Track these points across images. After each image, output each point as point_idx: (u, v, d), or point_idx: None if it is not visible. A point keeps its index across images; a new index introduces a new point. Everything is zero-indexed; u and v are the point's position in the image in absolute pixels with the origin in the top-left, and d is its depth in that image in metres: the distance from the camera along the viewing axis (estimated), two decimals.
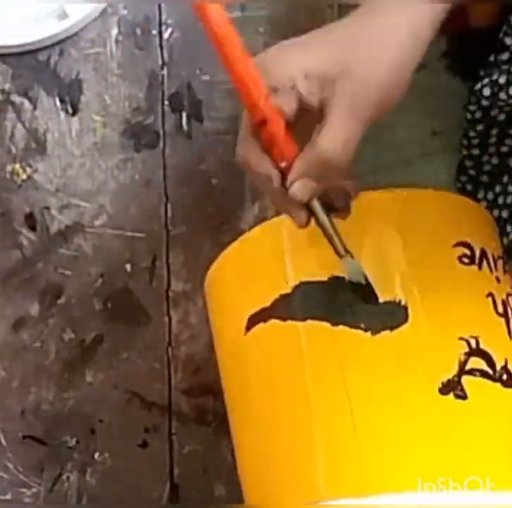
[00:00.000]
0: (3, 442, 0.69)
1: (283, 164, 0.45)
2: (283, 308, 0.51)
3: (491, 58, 0.71)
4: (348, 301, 0.49)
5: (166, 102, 0.71)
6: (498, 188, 0.72)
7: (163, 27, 0.71)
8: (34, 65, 0.71)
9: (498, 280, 0.52)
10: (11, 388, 0.69)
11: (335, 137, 0.45)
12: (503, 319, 0.50)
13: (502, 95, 0.65)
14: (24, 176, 0.70)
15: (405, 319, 0.48)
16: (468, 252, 0.51)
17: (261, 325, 0.52)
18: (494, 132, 0.77)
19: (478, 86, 0.68)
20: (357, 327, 0.49)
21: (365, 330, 0.48)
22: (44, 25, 0.70)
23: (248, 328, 0.52)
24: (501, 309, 0.51)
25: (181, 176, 0.71)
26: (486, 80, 0.68)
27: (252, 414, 0.53)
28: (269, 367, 0.52)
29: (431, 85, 1.12)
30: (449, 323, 0.49)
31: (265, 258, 0.53)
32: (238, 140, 0.47)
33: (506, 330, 0.50)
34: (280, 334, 0.51)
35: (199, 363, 0.69)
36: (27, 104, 0.71)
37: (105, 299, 0.70)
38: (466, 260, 0.51)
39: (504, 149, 0.74)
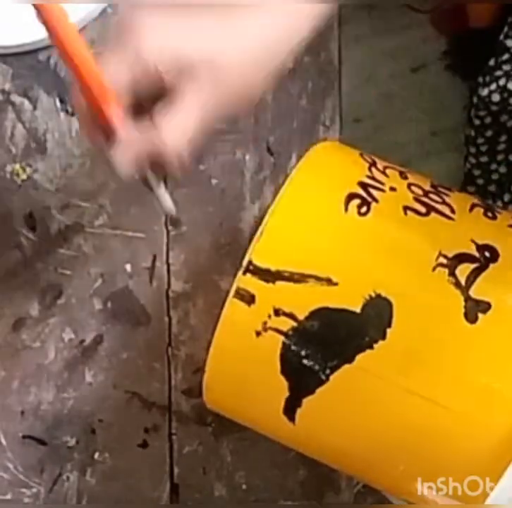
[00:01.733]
0: (3, 442, 0.69)
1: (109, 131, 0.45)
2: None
3: (492, 62, 0.71)
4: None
5: None
6: (507, 197, 0.72)
7: None
8: (34, 65, 0.71)
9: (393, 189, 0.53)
10: (11, 388, 0.69)
11: (179, 126, 0.44)
12: None
13: None
14: (24, 176, 0.70)
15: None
16: (359, 201, 0.52)
17: (298, 411, 0.52)
18: (503, 138, 0.77)
19: (486, 92, 0.68)
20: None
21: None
22: None
23: (291, 419, 0.53)
24: None
25: (181, 176, 0.70)
26: (493, 86, 0.68)
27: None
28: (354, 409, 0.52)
29: (431, 84, 1.13)
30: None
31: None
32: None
33: None
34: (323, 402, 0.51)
35: (199, 363, 0.69)
36: (27, 104, 0.71)
37: (105, 299, 0.70)
38: (363, 209, 0.52)
39: None
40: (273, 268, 0.51)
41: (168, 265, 0.70)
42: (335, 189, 0.54)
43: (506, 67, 0.71)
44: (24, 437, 0.69)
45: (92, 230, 0.70)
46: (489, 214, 0.54)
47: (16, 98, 0.71)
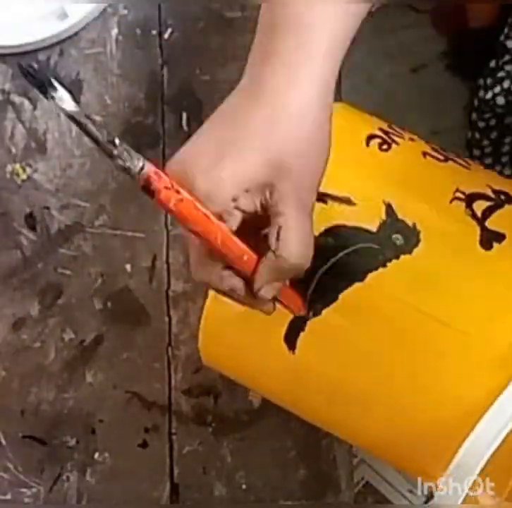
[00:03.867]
0: (3, 442, 0.69)
1: (246, 272, 0.45)
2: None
3: (493, 63, 0.71)
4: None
5: (166, 102, 0.71)
6: None
7: (163, 27, 0.71)
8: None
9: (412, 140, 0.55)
10: (11, 388, 0.69)
11: (295, 241, 0.44)
12: None
13: None
14: (24, 176, 0.70)
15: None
16: (380, 140, 0.53)
17: (302, 334, 0.52)
18: (508, 140, 0.77)
19: (490, 95, 0.68)
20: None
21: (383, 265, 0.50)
22: (44, 25, 0.70)
23: (291, 347, 0.52)
24: None
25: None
26: (497, 89, 0.68)
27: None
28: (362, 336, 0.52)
29: (431, 84, 1.13)
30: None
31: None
32: (192, 264, 0.46)
33: None
34: (327, 326, 0.51)
35: (199, 363, 0.69)
36: (27, 104, 0.71)
37: (105, 299, 0.70)
38: (384, 147, 0.53)
39: None
40: None
41: (168, 265, 0.70)
42: (357, 128, 0.55)
43: (508, 67, 0.71)
44: (24, 437, 0.69)
45: (92, 230, 0.70)
46: (503, 175, 0.55)
47: (16, 98, 0.71)
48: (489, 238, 0.50)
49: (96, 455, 0.69)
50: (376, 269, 0.50)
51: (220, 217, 0.43)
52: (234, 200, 0.43)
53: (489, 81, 0.72)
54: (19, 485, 0.69)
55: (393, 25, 1.10)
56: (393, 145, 0.54)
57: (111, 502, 0.69)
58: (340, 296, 0.50)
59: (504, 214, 0.51)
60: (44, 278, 0.70)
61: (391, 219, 0.50)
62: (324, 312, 0.51)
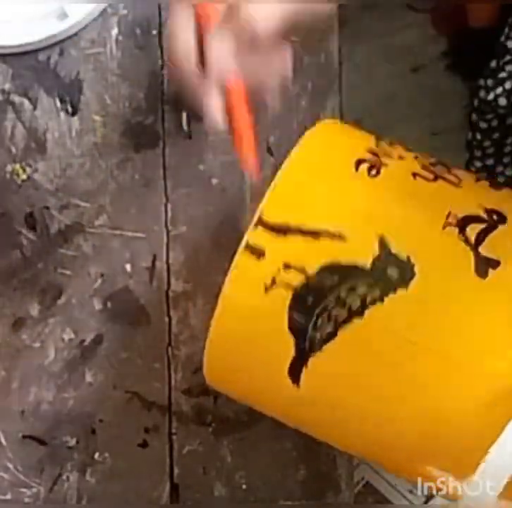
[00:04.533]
0: (3, 442, 0.69)
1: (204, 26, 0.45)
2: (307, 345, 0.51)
3: (493, 63, 0.71)
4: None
5: (166, 102, 0.71)
6: None
7: (163, 27, 0.71)
8: (34, 65, 0.71)
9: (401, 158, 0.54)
10: (11, 388, 0.69)
11: (266, 7, 0.44)
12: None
13: None
14: (24, 176, 0.70)
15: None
16: (369, 165, 0.53)
17: (304, 369, 0.52)
18: (510, 141, 0.77)
19: (491, 96, 0.68)
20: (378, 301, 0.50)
21: (381, 300, 0.50)
22: (44, 25, 0.70)
23: (295, 381, 0.53)
24: None
25: (181, 176, 0.70)
26: (499, 90, 0.68)
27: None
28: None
29: (431, 85, 1.13)
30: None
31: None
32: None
33: None
34: (327, 361, 0.51)
35: (199, 363, 0.69)
36: (27, 104, 0.71)
37: (105, 299, 0.70)
38: (373, 172, 0.53)
39: None
40: (283, 222, 0.51)
41: (168, 265, 0.70)
42: (345, 153, 0.55)
43: (509, 68, 0.71)
44: (24, 437, 0.69)
45: (92, 230, 0.70)
46: (495, 186, 0.54)
47: (16, 98, 0.71)
48: (484, 265, 0.49)
49: (96, 455, 0.69)
50: (373, 304, 0.50)
51: None
52: None
53: (490, 82, 0.72)
54: (19, 485, 0.69)
55: (393, 25, 1.10)
56: (383, 169, 0.53)
57: (111, 502, 0.69)
58: (339, 333, 0.50)
59: (498, 236, 0.51)
60: (44, 278, 0.70)
61: (385, 253, 0.50)
62: (324, 347, 0.51)
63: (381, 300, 0.50)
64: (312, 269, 0.50)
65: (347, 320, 0.50)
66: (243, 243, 0.52)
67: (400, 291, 0.50)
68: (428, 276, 0.50)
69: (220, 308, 0.53)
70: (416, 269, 0.50)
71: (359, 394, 0.52)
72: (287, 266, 0.51)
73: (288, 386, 0.53)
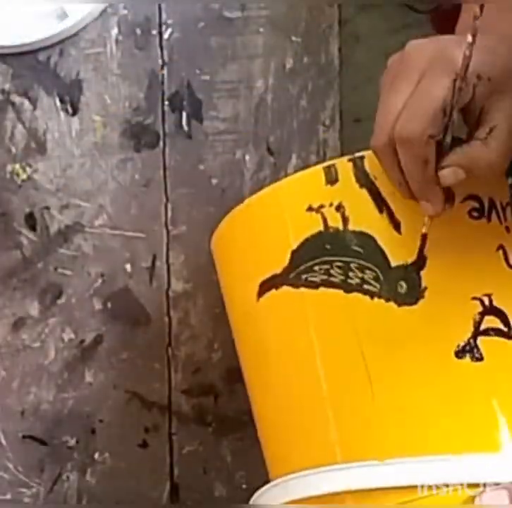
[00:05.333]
0: (3, 442, 0.69)
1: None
2: (294, 275, 0.51)
3: None
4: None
5: (166, 102, 0.71)
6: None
7: (163, 27, 0.71)
8: (34, 65, 0.71)
9: (507, 230, 0.52)
10: (11, 388, 0.69)
11: (505, 141, 0.46)
12: None
13: None
14: (24, 176, 0.70)
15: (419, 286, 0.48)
16: (477, 205, 0.51)
17: (273, 292, 0.52)
18: None
19: None
20: (370, 294, 0.49)
21: (379, 297, 0.49)
22: (44, 25, 0.70)
23: (260, 294, 0.53)
24: None
25: (181, 176, 0.71)
26: None
27: (267, 378, 0.54)
28: (281, 333, 0.52)
29: None
30: (462, 284, 0.49)
31: (269, 224, 0.53)
32: (411, 115, 0.46)
33: None
34: (292, 302, 0.51)
35: (199, 363, 0.69)
36: (27, 104, 0.71)
37: (105, 299, 0.70)
38: (476, 214, 0.51)
39: None
40: None
41: (168, 265, 0.70)
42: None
43: None
44: (24, 437, 0.69)
45: (92, 230, 0.70)
46: None
47: (16, 98, 0.71)
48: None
49: (96, 455, 0.69)
50: (364, 294, 0.49)
51: (453, 82, 0.45)
52: (478, 77, 0.46)
53: None
54: (19, 485, 0.69)
55: (393, 25, 1.10)
56: None
57: (111, 501, 0.69)
58: (320, 288, 0.50)
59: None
60: (44, 278, 0.70)
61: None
62: (300, 287, 0.51)
63: (373, 298, 0.49)
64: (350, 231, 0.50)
65: (333, 285, 0.50)
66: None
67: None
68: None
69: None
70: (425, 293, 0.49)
71: (281, 353, 0.52)
72: (340, 207, 0.51)
73: (253, 295, 0.53)
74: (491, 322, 0.48)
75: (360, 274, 0.50)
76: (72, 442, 0.69)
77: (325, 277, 0.50)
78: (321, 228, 0.51)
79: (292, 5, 0.71)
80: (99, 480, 0.69)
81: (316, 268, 0.51)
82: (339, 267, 0.50)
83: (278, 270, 0.51)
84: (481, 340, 0.47)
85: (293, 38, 0.71)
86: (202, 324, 0.69)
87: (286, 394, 0.52)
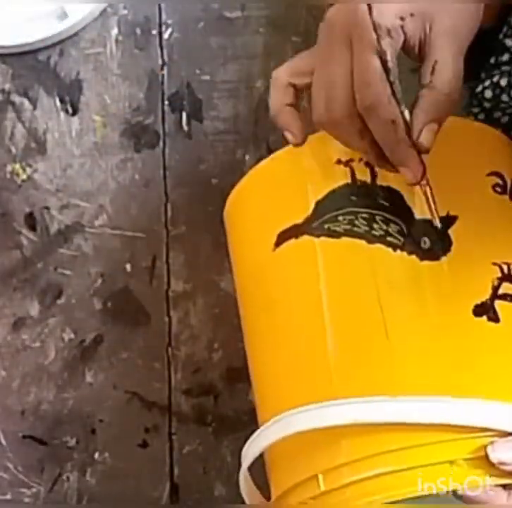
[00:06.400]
0: (3, 442, 0.69)
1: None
2: (317, 224, 0.51)
3: (492, 60, 0.71)
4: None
5: (166, 102, 0.71)
6: None
7: (163, 27, 0.71)
8: (34, 65, 0.71)
9: None
10: (11, 388, 0.69)
11: (450, 73, 0.47)
12: None
13: (504, 97, 0.65)
14: (24, 176, 0.70)
15: (442, 244, 0.49)
16: (500, 182, 0.52)
17: (291, 241, 0.52)
18: None
19: (479, 88, 0.69)
20: (393, 246, 0.49)
21: (401, 249, 0.49)
22: (44, 25, 0.70)
23: (277, 244, 0.52)
24: None
25: (181, 176, 0.71)
26: (487, 82, 0.68)
27: (272, 323, 0.53)
28: (294, 281, 0.52)
29: None
30: (484, 247, 0.50)
31: (289, 178, 0.53)
32: (364, 84, 0.47)
33: None
34: (309, 250, 0.51)
35: (199, 363, 0.69)
36: (27, 104, 0.71)
37: (105, 299, 0.70)
38: (499, 189, 0.52)
39: None
40: None
41: (168, 265, 0.70)
42: None
43: (505, 67, 0.71)
44: (24, 437, 0.69)
45: (92, 230, 0.70)
46: None
47: (16, 98, 0.71)
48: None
49: (96, 455, 0.69)
50: (387, 245, 0.50)
51: (388, 32, 0.46)
52: (401, 19, 0.47)
53: (483, 76, 0.72)
54: (19, 485, 0.69)
55: None
56: None
57: (111, 502, 0.69)
58: (342, 238, 0.51)
59: None
60: (44, 278, 0.70)
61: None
62: (321, 237, 0.52)
63: (395, 250, 0.50)
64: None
65: (356, 235, 0.50)
66: None
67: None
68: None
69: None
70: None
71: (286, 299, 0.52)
72: (369, 163, 0.51)
73: (269, 246, 0.53)
74: (508, 288, 0.49)
75: (384, 227, 0.50)
76: (72, 442, 0.69)
77: (349, 227, 0.51)
78: (349, 180, 0.51)
79: (292, 5, 0.71)
80: (99, 480, 0.69)
81: (340, 218, 0.51)
82: (364, 219, 0.51)
83: (300, 220, 0.52)
84: (498, 304, 0.48)
85: (293, 38, 0.71)
86: (202, 324, 0.69)
87: (292, 337, 0.52)
